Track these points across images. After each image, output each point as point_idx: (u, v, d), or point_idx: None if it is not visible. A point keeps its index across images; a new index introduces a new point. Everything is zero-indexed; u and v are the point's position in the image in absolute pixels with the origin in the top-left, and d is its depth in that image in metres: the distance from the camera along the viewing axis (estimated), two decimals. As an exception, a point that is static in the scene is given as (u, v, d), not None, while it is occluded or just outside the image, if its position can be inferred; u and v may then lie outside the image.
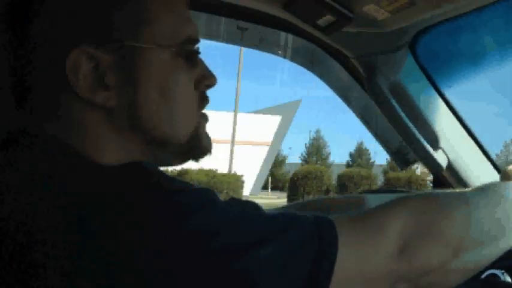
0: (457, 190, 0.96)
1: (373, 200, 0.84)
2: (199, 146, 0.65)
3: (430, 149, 1.30)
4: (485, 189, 0.68)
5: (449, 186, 1.36)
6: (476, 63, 1.31)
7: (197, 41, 0.64)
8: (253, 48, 1.45)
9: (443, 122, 1.30)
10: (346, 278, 0.52)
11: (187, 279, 0.47)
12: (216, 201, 0.53)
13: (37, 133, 0.58)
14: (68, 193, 0.50)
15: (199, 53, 0.64)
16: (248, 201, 0.55)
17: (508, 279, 1.05)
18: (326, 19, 1.05)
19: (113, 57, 0.58)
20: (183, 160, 0.65)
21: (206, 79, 0.65)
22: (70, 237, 0.48)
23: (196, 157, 0.66)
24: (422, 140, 1.29)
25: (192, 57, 0.63)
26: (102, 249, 0.47)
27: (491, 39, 1.22)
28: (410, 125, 1.28)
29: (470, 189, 0.86)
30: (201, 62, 0.65)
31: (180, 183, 0.53)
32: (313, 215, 0.55)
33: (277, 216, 0.54)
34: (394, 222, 0.56)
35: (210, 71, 0.66)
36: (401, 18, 1.03)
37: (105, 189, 0.50)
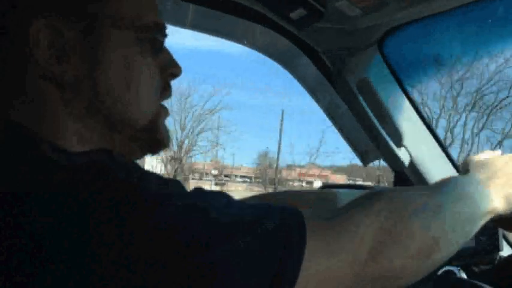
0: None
1: (345, 196, 0.84)
2: (157, 136, 0.63)
3: (393, 147, 1.32)
4: (448, 186, 0.67)
5: (410, 183, 1.39)
6: (442, 64, 1.33)
7: (163, 28, 0.63)
8: (221, 37, 1.43)
9: (407, 120, 1.32)
10: (312, 279, 0.51)
11: (150, 271, 0.46)
12: (182, 193, 0.51)
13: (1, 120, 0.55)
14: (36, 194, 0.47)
15: (164, 37, 0.64)
16: (216, 191, 0.54)
17: (464, 275, 1.09)
18: (298, 13, 1.04)
19: (75, 32, 0.57)
20: (140, 150, 0.64)
21: (171, 68, 0.65)
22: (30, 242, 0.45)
23: (153, 149, 0.64)
24: (386, 137, 1.32)
25: (156, 42, 0.62)
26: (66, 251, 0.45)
27: (458, 41, 1.24)
28: (375, 121, 1.30)
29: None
30: (167, 49, 0.65)
31: (148, 174, 0.51)
32: (282, 210, 0.53)
33: (245, 210, 0.52)
34: (365, 224, 0.55)
35: (175, 61, 0.65)
36: (372, 16, 1.04)
37: (75, 188, 0.47)
